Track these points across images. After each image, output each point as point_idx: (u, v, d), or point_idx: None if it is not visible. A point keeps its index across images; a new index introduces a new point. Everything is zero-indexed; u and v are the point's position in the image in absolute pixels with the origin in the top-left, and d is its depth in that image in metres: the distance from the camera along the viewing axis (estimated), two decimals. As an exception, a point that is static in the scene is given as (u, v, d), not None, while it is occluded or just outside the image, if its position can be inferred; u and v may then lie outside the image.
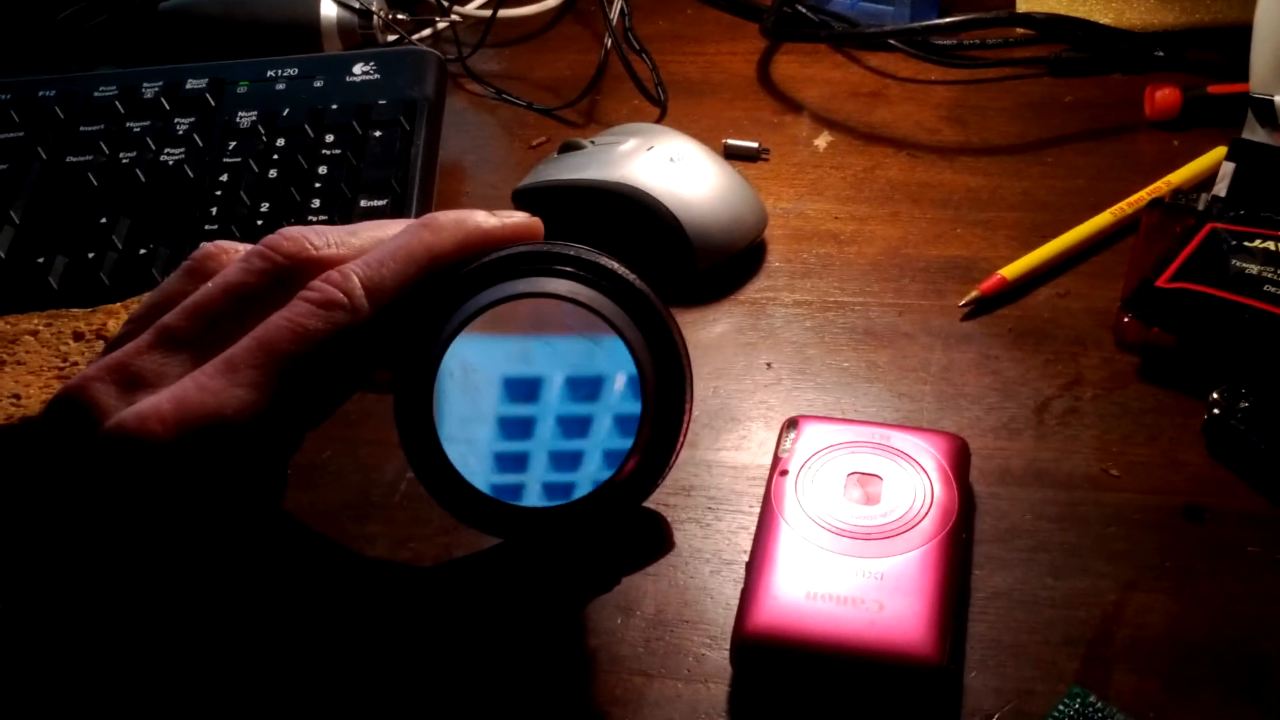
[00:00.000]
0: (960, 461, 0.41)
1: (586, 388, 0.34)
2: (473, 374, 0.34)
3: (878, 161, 0.60)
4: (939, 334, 0.49)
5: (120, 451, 0.31)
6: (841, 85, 0.66)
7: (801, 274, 0.53)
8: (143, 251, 0.53)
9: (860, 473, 0.40)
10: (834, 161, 0.60)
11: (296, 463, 0.37)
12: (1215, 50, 0.63)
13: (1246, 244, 0.46)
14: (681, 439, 0.37)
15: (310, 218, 0.54)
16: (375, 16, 0.69)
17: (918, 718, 0.36)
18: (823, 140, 0.62)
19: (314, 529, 0.41)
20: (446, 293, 0.35)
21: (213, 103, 0.60)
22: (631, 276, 0.36)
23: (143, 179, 0.56)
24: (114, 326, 0.48)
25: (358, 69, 0.61)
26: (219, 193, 0.55)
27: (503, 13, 0.71)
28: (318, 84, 0.60)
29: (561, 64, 0.71)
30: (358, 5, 0.69)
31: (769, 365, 0.49)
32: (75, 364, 0.47)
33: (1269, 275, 0.44)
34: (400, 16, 0.72)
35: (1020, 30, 0.66)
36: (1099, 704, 0.35)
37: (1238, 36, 0.57)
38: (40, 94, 0.61)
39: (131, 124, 0.59)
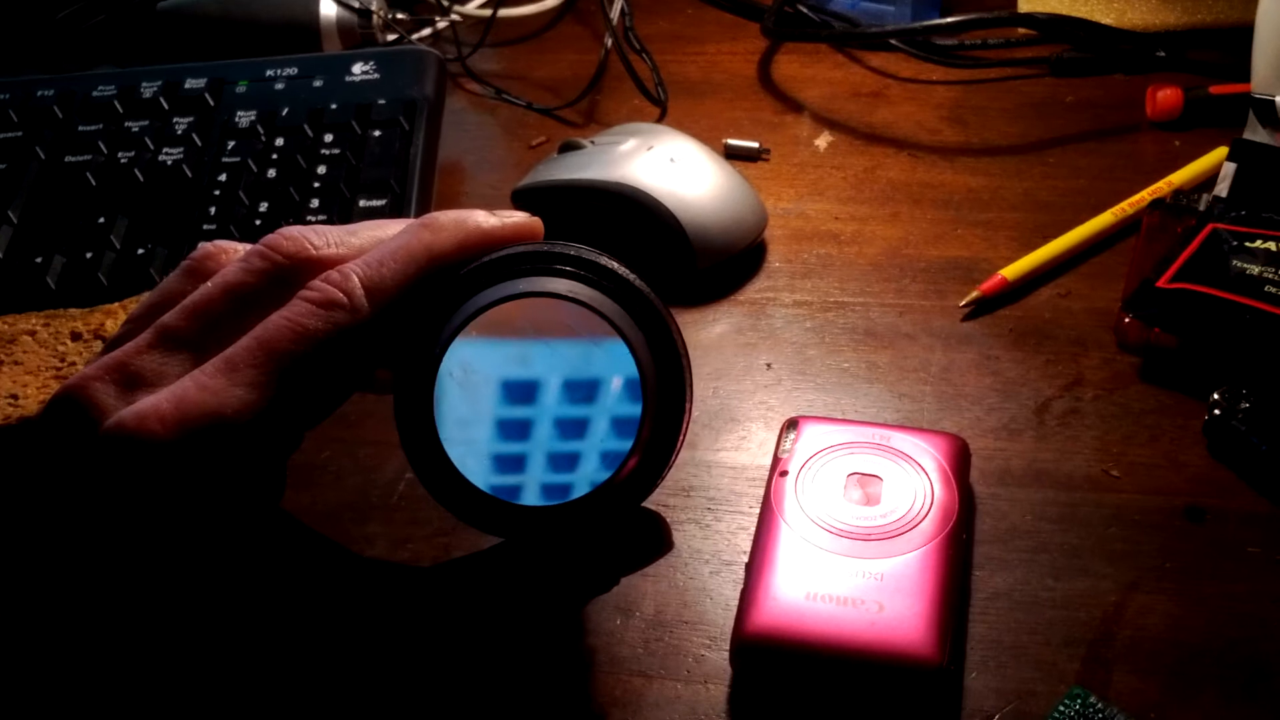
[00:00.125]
0: (960, 462, 0.41)
1: (586, 389, 0.34)
2: (473, 374, 0.34)
3: (878, 162, 0.60)
4: (939, 334, 0.49)
5: (119, 451, 0.31)
6: (842, 85, 0.66)
7: (802, 274, 0.53)
8: (141, 251, 0.53)
9: (860, 473, 0.40)
10: (834, 162, 0.60)
11: (296, 463, 0.36)
12: (1217, 50, 0.63)
13: (1248, 244, 0.46)
14: (681, 439, 0.36)
15: (309, 217, 0.54)
16: (375, 16, 0.69)
17: (918, 719, 0.36)
18: (823, 140, 0.62)
19: (313, 529, 0.41)
20: (446, 292, 0.35)
21: (211, 102, 0.60)
22: (631, 276, 0.36)
23: (141, 179, 0.56)
24: (112, 326, 0.48)
25: (357, 69, 0.60)
26: (218, 192, 0.55)
27: (503, 12, 0.71)
28: (317, 84, 0.60)
29: (561, 64, 0.71)
30: (357, 5, 0.69)
31: (769, 366, 0.49)
32: (73, 364, 0.47)
33: (1270, 276, 0.44)
34: (400, 16, 0.72)
35: (1022, 30, 0.65)
36: (1099, 705, 0.35)
37: (1239, 37, 0.57)
38: (39, 93, 0.60)
39: (130, 124, 0.59)
